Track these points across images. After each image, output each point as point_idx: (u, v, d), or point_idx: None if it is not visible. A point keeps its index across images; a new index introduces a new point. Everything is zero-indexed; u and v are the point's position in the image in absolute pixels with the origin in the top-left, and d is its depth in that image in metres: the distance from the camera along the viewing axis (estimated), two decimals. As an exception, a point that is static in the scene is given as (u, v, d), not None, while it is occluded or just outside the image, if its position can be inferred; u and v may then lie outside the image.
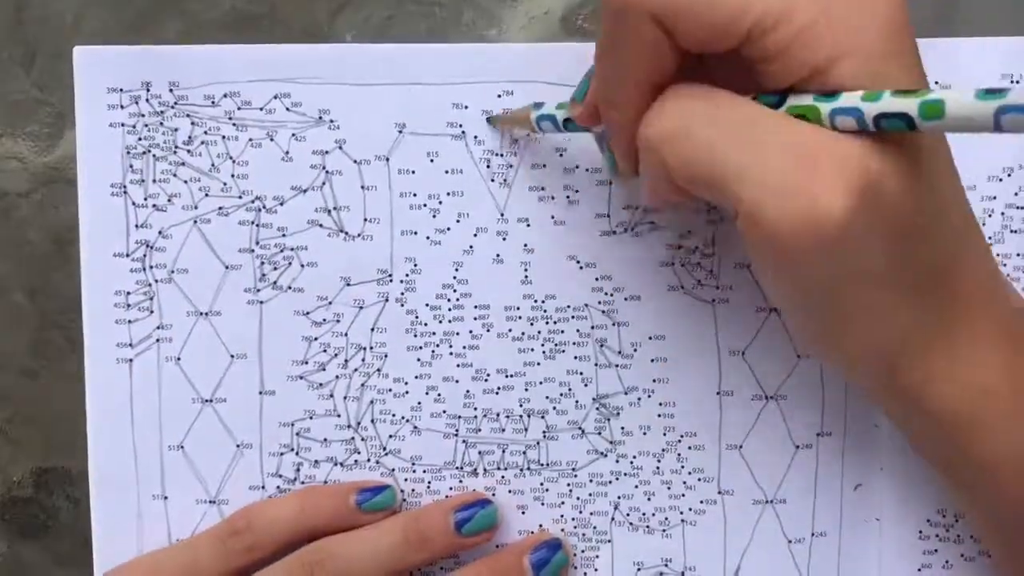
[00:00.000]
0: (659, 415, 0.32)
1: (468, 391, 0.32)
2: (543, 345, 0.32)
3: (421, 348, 0.32)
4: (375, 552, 0.30)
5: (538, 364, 0.32)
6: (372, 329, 0.32)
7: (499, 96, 0.31)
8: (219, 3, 0.32)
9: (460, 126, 0.31)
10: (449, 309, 0.32)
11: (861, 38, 0.21)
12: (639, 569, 0.32)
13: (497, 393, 0.32)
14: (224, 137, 0.31)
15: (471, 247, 0.31)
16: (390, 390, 0.32)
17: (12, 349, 0.33)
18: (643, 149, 0.23)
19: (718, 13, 0.21)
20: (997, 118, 0.19)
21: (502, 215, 0.31)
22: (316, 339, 0.32)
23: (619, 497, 0.32)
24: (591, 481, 0.32)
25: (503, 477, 0.32)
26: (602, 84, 0.25)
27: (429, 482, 0.32)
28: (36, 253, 0.32)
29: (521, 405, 0.32)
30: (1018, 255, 0.31)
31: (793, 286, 0.23)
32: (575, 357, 0.32)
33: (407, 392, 0.32)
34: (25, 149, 0.32)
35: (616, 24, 0.23)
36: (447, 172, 0.31)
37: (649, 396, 0.32)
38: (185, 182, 0.31)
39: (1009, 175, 0.31)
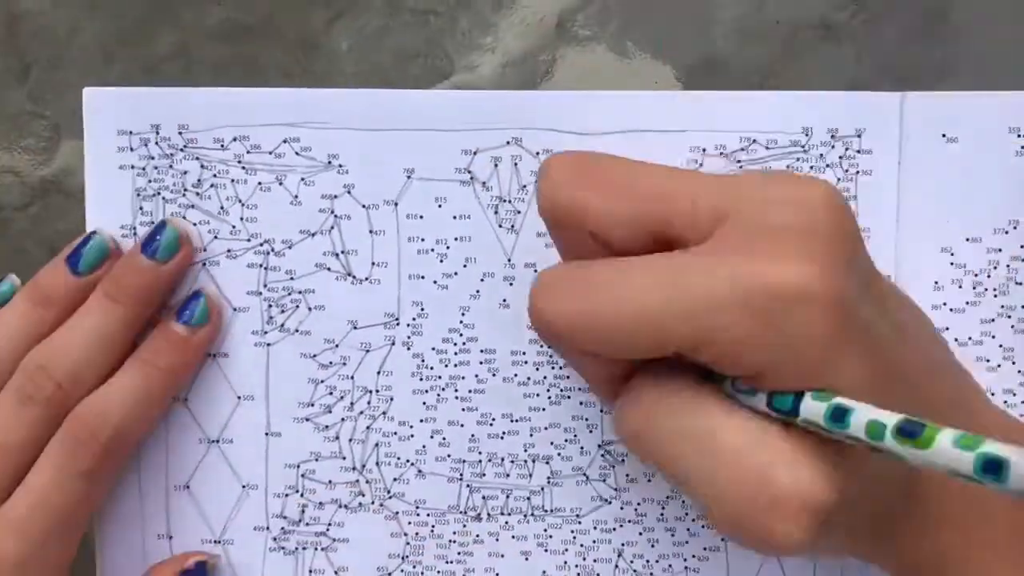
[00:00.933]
0: (663, 461, 0.32)
1: (473, 435, 0.32)
2: (548, 390, 0.32)
3: (427, 392, 0.32)
4: (9, 331, 0.30)
5: (543, 409, 0.32)
6: (378, 372, 0.32)
7: (508, 142, 0.31)
8: (214, 13, 0.32)
9: (469, 172, 0.31)
10: (455, 353, 0.32)
11: (790, 354, 0.21)
12: (641, 614, 0.32)
13: (502, 438, 0.32)
14: (233, 180, 0.31)
15: (478, 292, 0.32)
16: (395, 433, 0.32)
17: None
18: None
19: (643, 341, 0.21)
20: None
21: (509, 260, 0.31)
22: (322, 381, 0.32)
23: (623, 544, 0.32)
24: (595, 528, 0.32)
25: (507, 523, 0.32)
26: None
27: (433, 526, 0.32)
28: (34, 266, 0.32)
29: (526, 450, 0.32)
30: (1023, 307, 0.31)
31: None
32: (580, 403, 0.32)
33: (412, 435, 0.32)
34: (21, 162, 0.33)
35: (552, 348, 0.25)
36: (455, 217, 0.31)
37: (653, 442, 0.32)
38: (195, 224, 0.32)
39: (1015, 227, 0.31)
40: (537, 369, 0.32)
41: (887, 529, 0.24)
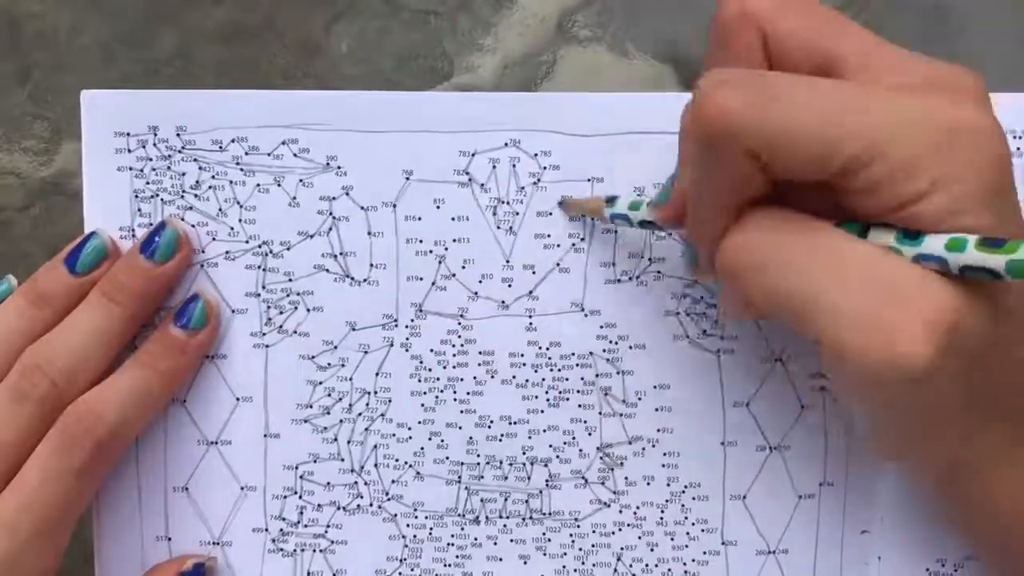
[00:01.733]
0: (663, 465, 0.32)
1: (471, 437, 0.32)
2: (547, 393, 0.32)
3: (425, 394, 0.32)
4: (5, 327, 0.30)
5: (542, 412, 0.32)
6: (377, 374, 0.32)
7: (506, 144, 0.31)
8: (214, 15, 0.32)
9: (467, 173, 0.31)
10: (453, 355, 0.32)
11: (957, 176, 0.21)
12: (640, 617, 0.32)
13: (500, 440, 0.32)
14: (231, 182, 0.31)
15: (476, 293, 0.31)
16: (393, 435, 0.32)
17: None
18: (723, 275, 0.23)
19: (813, 149, 0.21)
20: None
21: (508, 262, 0.31)
22: (321, 383, 0.32)
23: (622, 548, 0.32)
24: (594, 531, 0.32)
25: (505, 526, 0.32)
26: (690, 203, 0.24)
27: (431, 529, 0.32)
28: (35, 267, 0.32)
29: (524, 453, 0.32)
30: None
31: (873, 407, 0.23)
32: (579, 405, 0.32)
33: (410, 437, 0.32)
34: (22, 164, 0.33)
35: (707, 154, 0.22)
36: (453, 219, 0.31)
37: (653, 446, 0.32)
38: (193, 226, 0.32)
39: (1016, 229, 0.31)
40: (536, 371, 0.32)
41: (964, 409, 0.23)
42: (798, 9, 0.23)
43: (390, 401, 0.32)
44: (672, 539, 0.32)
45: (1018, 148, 0.31)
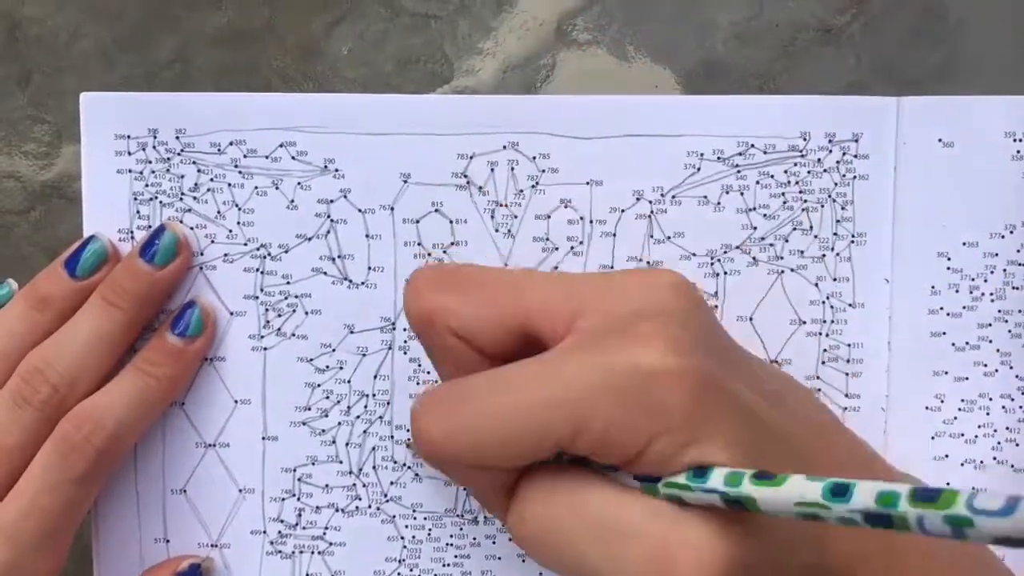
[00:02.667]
0: (660, 465, 0.32)
1: (470, 439, 0.32)
2: (545, 395, 0.32)
3: (423, 396, 0.32)
4: (5, 331, 0.30)
5: (540, 413, 0.32)
6: (375, 376, 0.32)
7: (504, 147, 0.31)
8: (214, 18, 0.32)
9: (465, 176, 0.31)
10: (452, 357, 0.32)
11: (662, 428, 0.21)
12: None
13: (498, 442, 0.32)
14: (230, 185, 0.31)
15: (474, 296, 0.32)
16: (392, 437, 0.32)
17: None
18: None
19: (518, 448, 0.22)
20: (845, 522, 0.18)
21: (506, 265, 0.31)
22: (319, 386, 0.32)
23: (619, 547, 0.32)
24: (591, 531, 0.32)
25: (503, 525, 0.32)
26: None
27: (430, 529, 0.32)
28: (35, 271, 0.32)
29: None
30: (1020, 311, 0.31)
31: None
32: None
33: (409, 439, 0.32)
34: (22, 167, 0.33)
35: (441, 468, 0.25)
36: (452, 222, 0.31)
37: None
38: (191, 228, 0.32)
39: (1011, 232, 0.31)
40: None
41: None
42: (468, 295, 0.24)
43: (388, 403, 0.32)
44: (669, 540, 0.32)
45: (1018, 151, 0.31)
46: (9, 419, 0.29)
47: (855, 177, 0.31)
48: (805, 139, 0.31)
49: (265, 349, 0.32)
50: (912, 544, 0.24)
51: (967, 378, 0.32)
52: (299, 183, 0.31)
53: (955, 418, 0.32)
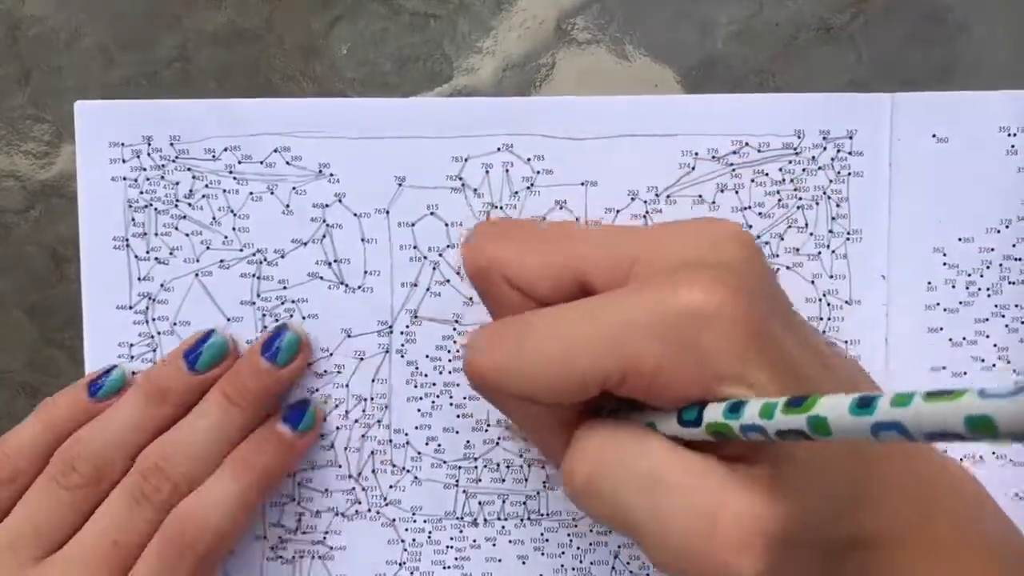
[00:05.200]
0: (658, 465, 0.32)
1: (468, 441, 0.32)
2: (543, 396, 0.32)
3: (421, 399, 0.32)
4: (125, 424, 0.30)
5: (538, 415, 0.32)
6: (373, 380, 0.32)
7: (498, 149, 0.31)
8: (214, 18, 0.32)
9: (460, 179, 0.31)
10: (449, 360, 0.32)
11: (712, 369, 0.21)
12: (639, 617, 0.32)
13: (497, 443, 0.32)
14: (225, 191, 0.31)
15: (471, 299, 0.32)
16: (390, 441, 0.32)
17: (11, 366, 0.33)
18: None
19: (564, 384, 0.22)
20: (875, 433, 0.18)
21: (502, 267, 0.31)
22: (317, 390, 0.32)
23: (619, 547, 0.32)
24: (591, 531, 0.32)
25: (503, 527, 0.32)
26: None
27: (430, 532, 0.32)
28: (35, 270, 0.32)
29: (521, 455, 0.32)
30: (1016, 306, 0.31)
31: None
32: (575, 408, 0.32)
33: (407, 443, 0.32)
34: (22, 166, 0.33)
35: (496, 403, 0.24)
36: (447, 224, 0.31)
37: (648, 446, 0.32)
38: (187, 235, 0.32)
39: (1007, 227, 0.31)
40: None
41: (837, 559, 0.23)
42: (524, 245, 0.24)
43: (387, 407, 0.32)
44: (669, 539, 0.32)
45: (1012, 146, 0.31)
46: (128, 516, 0.29)
47: (850, 174, 0.31)
48: (799, 137, 0.31)
49: (263, 354, 0.32)
50: (951, 522, 0.24)
51: (965, 373, 0.32)
52: (294, 188, 0.31)
53: (953, 413, 0.32)
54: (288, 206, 0.31)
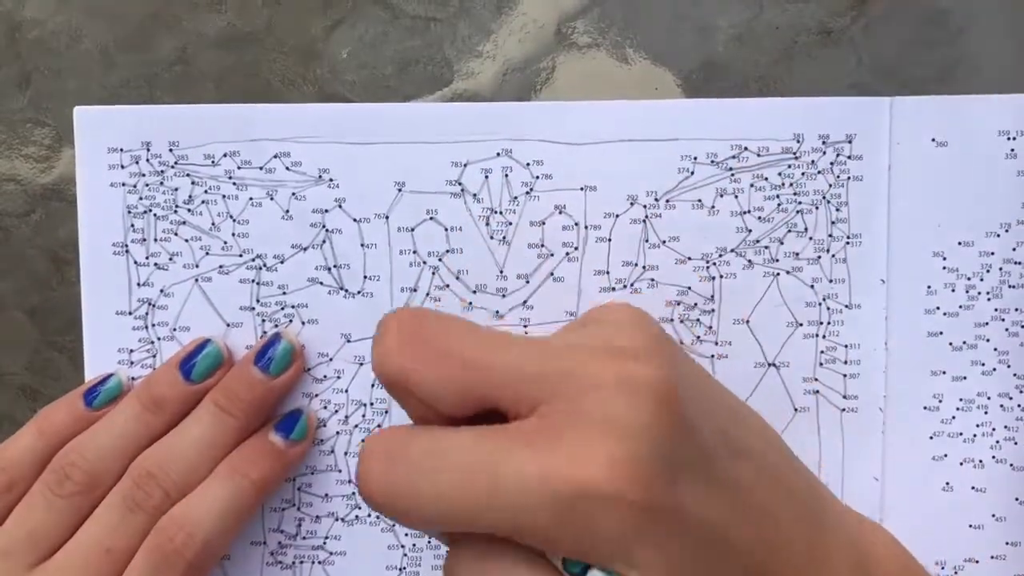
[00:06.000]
0: (658, 469, 0.32)
1: (468, 446, 0.32)
2: (543, 401, 0.32)
3: (421, 404, 0.32)
4: (120, 432, 0.30)
5: (538, 419, 0.32)
6: (372, 385, 0.32)
7: (498, 154, 0.31)
8: (215, 21, 0.32)
9: (459, 184, 0.31)
10: (449, 365, 0.32)
11: (601, 543, 0.20)
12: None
13: (497, 448, 0.32)
14: (224, 196, 0.31)
15: (471, 304, 0.32)
16: (391, 445, 0.32)
17: (12, 368, 0.33)
18: None
19: (450, 525, 0.21)
20: None
21: (502, 272, 0.31)
22: (317, 395, 0.32)
23: (619, 552, 0.32)
24: (591, 536, 0.32)
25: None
26: None
27: (430, 538, 0.32)
28: (35, 273, 0.32)
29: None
30: (1016, 310, 0.31)
31: None
32: (575, 413, 0.32)
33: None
34: (23, 170, 0.33)
35: None
36: (447, 229, 0.31)
37: (648, 451, 0.32)
38: (186, 241, 0.32)
39: (1007, 231, 0.31)
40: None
41: None
42: (432, 363, 0.22)
43: (387, 412, 0.32)
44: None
45: (1012, 150, 0.31)
46: (121, 522, 0.29)
47: (849, 178, 0.31)
48: (798, 141, 0.31)
49: (262, 360, 0.32)
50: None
51: (965, 377, 0.32)
52: (294, 193, 0.31)
53: (953, 417, 0.32)
54: (288, 211, 0.31)
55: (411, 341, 0.23)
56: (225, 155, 0.31)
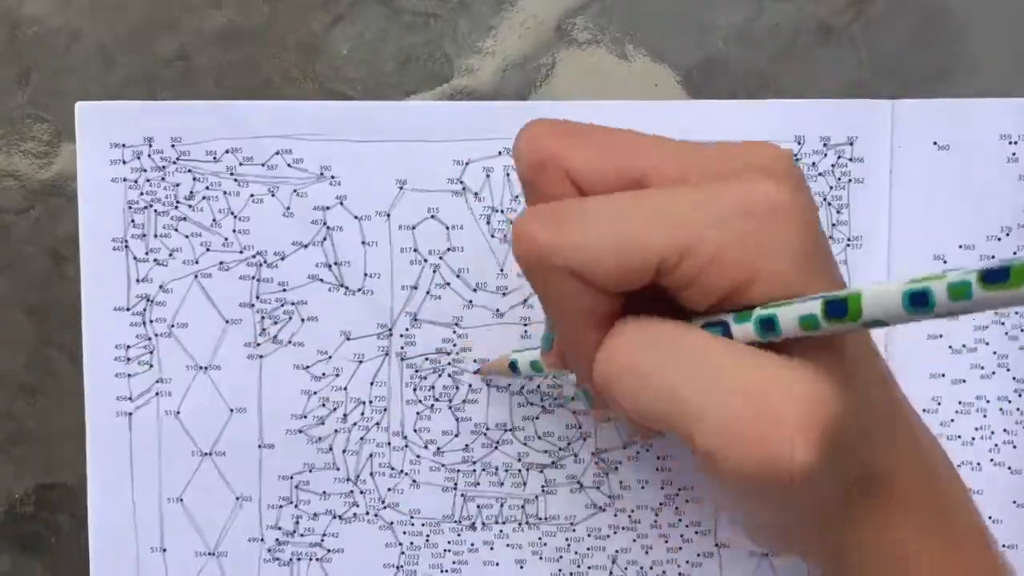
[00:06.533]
0: (657, 469, 0.32)
1: (467, 445, 0.32)
2: (542, 400, 0.32)
3: (420, 402, 0.32)
4: None
5: (537, 418, 0.32)
6: (371, 383, 0.32)
7: (499, 153, 0.31)
8: (214, 18, 0.32)
9: (461, 182, 0.31)
10: (449, 363, 0.32)
11: (768, 262, 0.21)
12: (636, 622, 0.32)
13: (496, 447, 0.32)
14: (225, 192, 0.31)
15: (471, 302, 0.32)
16: (389, 444, 0.32)
17: (11, 366, 0.33)
18: (598, 390, 0.23)
19: (615, 260, 0.21)
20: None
21: (502, 271, 0.31)
22: (315, 393, 0.32)
23: (617, 551, 0.32)
24: (589, 535, 0.32)
25: (501, 531, 0.32)
26: (557, 332, 0.25)
27: (428, 536, 0.32)
28: (34, 270, 0.32)
29: (519, 459, 0.32)
30: (1016, 314, 0.31)
31: (752, 510, 0.23)
32: (574, 412, 0.32)
33: (406, 446, 0.32)
34: (22, 166, 0.32)
35: (537, 283, 0.23)
36: (448, 228, 0.31)
37: (647, 450, 0.32)
38: (186, 237, 0.32)
39: (1008, 234, 0.31)
40: (531, 378, 0.32)
41: (861, 497, 0.23)
42: (587, 142, 0.23)
43: (385, 410, 0.32)
44: (666, 541, 0.32)
45: (1013, 154, 0.31)
46: None
47: (850, 180, 0.31)
48: (800, 143, 0.31)
49: (261, 357, 0.32)
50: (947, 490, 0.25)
51: (964, 380, 0.32)
52: (295, 190, 0.31)
53: (952, 420, 0.32)
54: (289, 208, 0.31)
55: (563, 127, 0.24)
56: (227, 151, 0.31)
